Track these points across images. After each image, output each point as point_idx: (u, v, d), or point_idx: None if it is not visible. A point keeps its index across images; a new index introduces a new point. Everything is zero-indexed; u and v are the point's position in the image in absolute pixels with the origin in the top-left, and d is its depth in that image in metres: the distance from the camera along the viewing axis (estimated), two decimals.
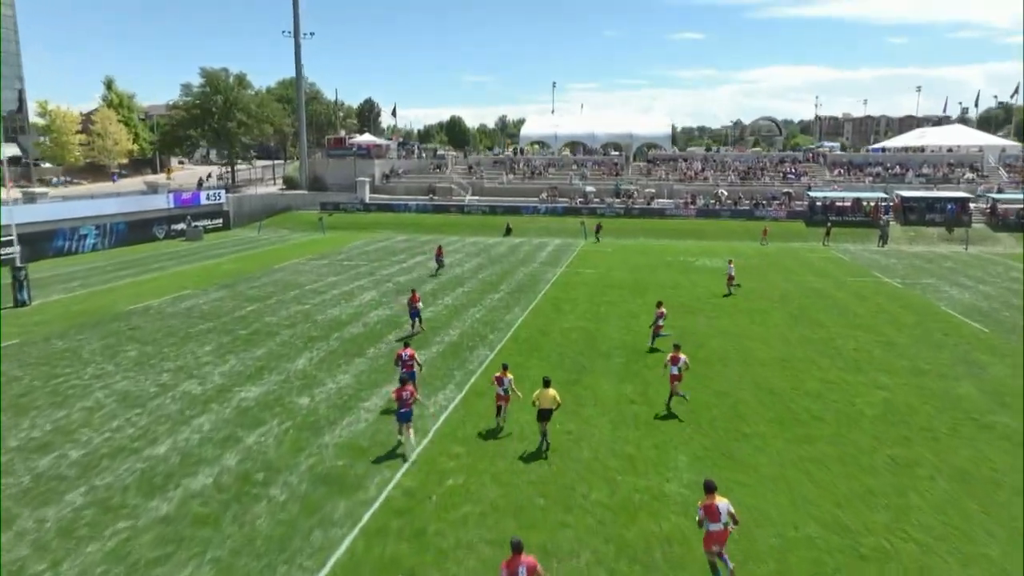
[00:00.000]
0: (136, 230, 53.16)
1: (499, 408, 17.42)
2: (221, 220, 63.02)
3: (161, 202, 56.42)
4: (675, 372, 18.53)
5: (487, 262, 44.54)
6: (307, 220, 65.01)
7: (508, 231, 59.74)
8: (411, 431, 16.06)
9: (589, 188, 66.10)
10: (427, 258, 46.51)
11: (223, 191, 64.31)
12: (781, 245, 53.89)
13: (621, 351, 24.24)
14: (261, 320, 28.51)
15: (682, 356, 18.66)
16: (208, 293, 34.17)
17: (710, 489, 10.90)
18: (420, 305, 27.17)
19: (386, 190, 71.54)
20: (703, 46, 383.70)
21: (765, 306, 31.56)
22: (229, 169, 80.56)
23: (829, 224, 54.64)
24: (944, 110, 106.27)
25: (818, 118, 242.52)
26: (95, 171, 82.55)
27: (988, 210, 57.24)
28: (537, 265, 43.49)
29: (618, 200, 64.74)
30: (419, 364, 19.51)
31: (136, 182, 62.37)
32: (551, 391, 15.98)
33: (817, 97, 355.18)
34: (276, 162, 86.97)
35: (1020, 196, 56.85)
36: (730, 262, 36.75)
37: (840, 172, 65.65)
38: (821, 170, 67.08)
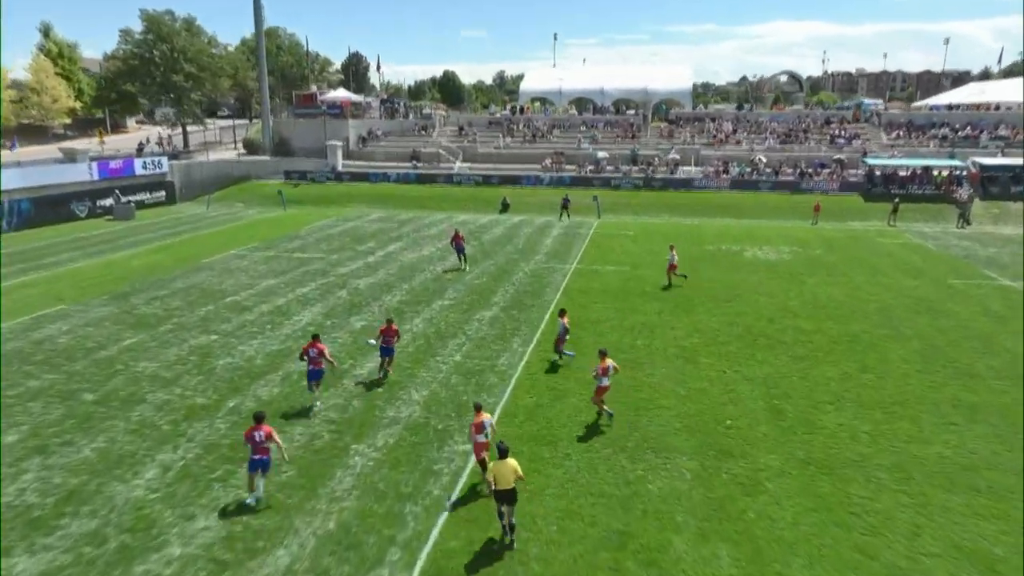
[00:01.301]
0: (45, 209, 43.14)
1: (483, 463, 12.65)
2: (164, 193, 52.92)
3: (81, 173, 46.27)
4: (605, 384, 15.43)
5: (479, 253, 34.82)
6: (267, 192, 54.92)
7: (505, 207, 49.86)
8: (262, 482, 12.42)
9: (601, 154, 55.93)
10: (403, 246, 36.80)
11: (165, 159, 54.01)
12: (838, 225, 44.15)
13: (686, 436, 14.78)
14: (132, 368, 18.95)
15: (610, 362, 15.55)
16: (87, 310, 24.54)
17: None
18: (395, 341, 18.21)
19: (363, 156, 61.29)
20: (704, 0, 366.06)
21: (869, 333, 22.01)
22: (181, 131, 69.77)
23: (896, 200, 44.71)
24: (999, 62, 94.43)
25: (828, 74, 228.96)
26: (33, 133, 71.92)
27: None
28: (541, 258, 33.78)
29: (636, 168, 54.65)
30: (330, 361, 16.41)
31: (51, 149, 52.10)
32: (511, 463, 11.24)
33: (825, 52, 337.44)
34: (237, 122, 76.11)
35: None
36: (671, 248, 28.58)
37: (899, 135, 55.41)
38: (876, 132, 56.84)
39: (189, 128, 71.89)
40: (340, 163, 58.64)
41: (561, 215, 46.14)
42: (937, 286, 28.27)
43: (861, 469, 13.66)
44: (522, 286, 28.18)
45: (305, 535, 11.52)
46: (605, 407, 15.73)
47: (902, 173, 49.51)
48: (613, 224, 44.56)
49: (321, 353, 16.03)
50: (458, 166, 57.90)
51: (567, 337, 19.41)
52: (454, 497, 12.62)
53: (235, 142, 69.31)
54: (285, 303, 25.50)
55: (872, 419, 15.87)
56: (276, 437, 12.32)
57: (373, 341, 18.06)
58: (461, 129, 63.02)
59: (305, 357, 16.06)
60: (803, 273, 30.50)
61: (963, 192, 45.79)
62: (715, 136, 57.94)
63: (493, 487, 11.09)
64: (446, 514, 12.10)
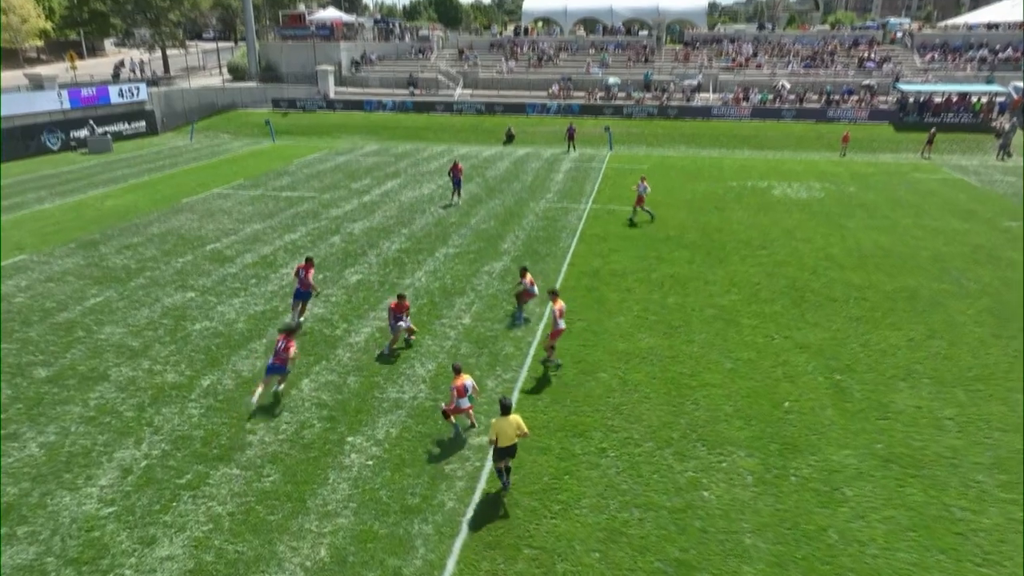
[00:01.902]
0: (14, 142, 39.86)
1: (447, 414, 12.31)
2: (144, 124, 49.37)
3: (51, 101, 42.68)
4: (562, 326, 14.61)
5: (482, 191, 32.02)
6: (254, 122, 51.34)
7: (509, 138, 46.53)
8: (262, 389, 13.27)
9: (612, 80, 52.11)
10: (401, 183, 33.90)
11: (143, 86, 50.14)
12: (868, 158, 41.10)
13: (740, 423, 12.47)
14: (95, 334, 16.54)
15: (563, 304, 14.82)
16: (50, 261, 21.97)
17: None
18: (407, 319, 15.82)
19: (356, 82, 57.31)
20: None
21: (928, 288, 19.56)
22: (161, 55, 65.11)
23: (933, 130, 41.37)
24: None
25: None
26: (3, 57, 67.25)
27: None
28: (552, 197, 30.99)
29: (649, 95, 50.96)
30: (312, 286, 16.79)
31: (18, 75, 48.08)
32: (513, 419, 10.42)
33: None
34: (221, 45, 71.11)
35: None
36: (643, 179, 26.68)
37: (933, 57, 51.46)
38: (907, 55, 52.80)
39: (169, 52, 67.29)
40: (332, 90, 54.78)
41: (568, 147, 42.98)
42: (991, 230, 25.66)
43: (955, 469, 11.46)
44: (533, 231, 25.54)
45: (291, 566, 9.37)
46: (554, 355, 15.01)
47: (936, 100, 45.99)
48: (626, 157, 41.44)
49: (308, 276, 16.56)
50: (458, 93, 54.10)
51: (527, 299, 17.15)
52: (469, 514, 10.43)
53: (219, 67, 64.91)
54: (271, 252, 22.91)
55: (955, 400, 13.60)
56: (294, 351, 13.26)
57: (403, 323, 15.57)
58: (461, 52, 58.74)
59: (296, 276, 16.84)
60: (840, 214, 27.83)
61: (1004, 121, 42.47)
62: (734, 60, 53.89)
63: (495, 444, 10.38)
64: (463, 537, 9.93)
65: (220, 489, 10.92)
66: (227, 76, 61.44)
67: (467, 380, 11.95)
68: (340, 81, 56.47)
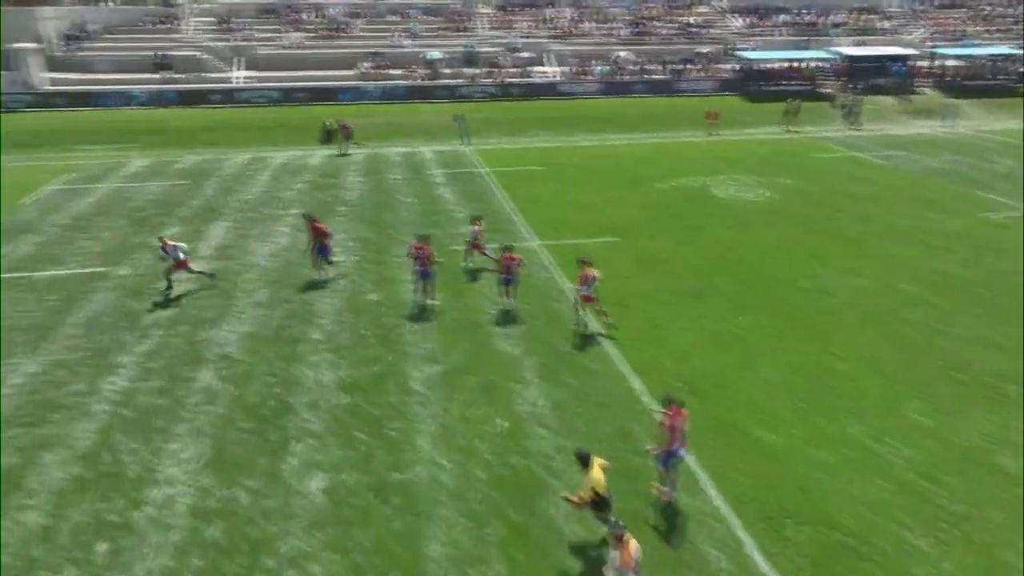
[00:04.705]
0: None
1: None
2: None
3: None
4: (586, 293, 14.61)
5: (370, 230, 22.18)
6: None
7: (328, 136, 35.58)
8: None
9: (435, 54, 43.18)
10: (235, 229, 22.55)
11: None
12: (739, 136, 37.96)
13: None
14: None
15: (592, 272, 14.44)
16: None
17: None
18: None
19: (74, 65, 40.94)
20: None
21: None
22: None
23: (798, 100, 39.31)
24: None
25: None
26: None
27: (935, 69, 46.76)
28: (462, 230, 22.36)
29: (479, 72, 43.11)
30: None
31: None
32: None
33: None
34: None
35: (966, 52, 47.13)
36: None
37: (751, 22, 50.50)
38: (720, 18, 51.26)
39: None
40: (40, 77, 38.25)
41: (340, 144, 33.23)
42: (980, 225, 22.95)
43: None
44: (524, 308, 16.93)
45: None
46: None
47: (771, 67, 44.84)
48: (494, 154, 33.55)
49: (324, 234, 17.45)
50: (238, 76, 41.06)
51: None
52: None
53: None
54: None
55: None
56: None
57: None
58: (221, 21, 44.94)
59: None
60: (825, 219, 23.46)
61: (837, 88, 42.33)
62: (558, 26, 47.97)
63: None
64: None
65: None
66: None
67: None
68: (53, 64, 39.81)
